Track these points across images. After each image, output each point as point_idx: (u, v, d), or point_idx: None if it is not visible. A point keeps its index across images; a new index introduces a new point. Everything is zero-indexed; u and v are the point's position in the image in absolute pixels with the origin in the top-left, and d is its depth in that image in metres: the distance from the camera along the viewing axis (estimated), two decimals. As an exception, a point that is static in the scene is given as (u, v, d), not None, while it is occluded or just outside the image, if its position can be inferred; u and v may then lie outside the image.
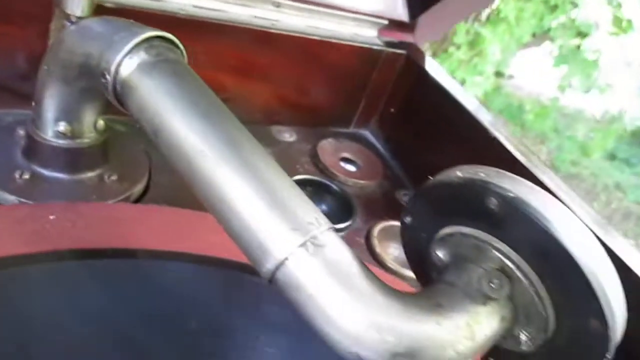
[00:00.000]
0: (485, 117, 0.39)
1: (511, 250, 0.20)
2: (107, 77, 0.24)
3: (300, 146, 0.43)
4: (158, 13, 0.37)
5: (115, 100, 0.24)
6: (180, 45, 0.26)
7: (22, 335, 0.22)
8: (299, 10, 0.41)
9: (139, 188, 0.33)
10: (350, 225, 0.38)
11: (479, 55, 2.56)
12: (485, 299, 0.20)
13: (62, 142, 0.30)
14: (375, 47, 0.44)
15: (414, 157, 0.45)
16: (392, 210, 0.41)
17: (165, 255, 0.26)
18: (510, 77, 2.20)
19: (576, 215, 0.19)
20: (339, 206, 0.39)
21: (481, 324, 0.20)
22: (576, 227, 0.19)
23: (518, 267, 0.20)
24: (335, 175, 0.41)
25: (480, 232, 0.21)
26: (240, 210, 0.21)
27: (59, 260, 0.24)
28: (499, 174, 0.20)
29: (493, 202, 0.20)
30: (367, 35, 0.45)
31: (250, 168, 0.21)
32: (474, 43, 2.07)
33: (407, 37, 0.47)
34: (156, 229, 0.26)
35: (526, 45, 2.08)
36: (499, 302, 0.20)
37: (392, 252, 0.37)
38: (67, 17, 0.28)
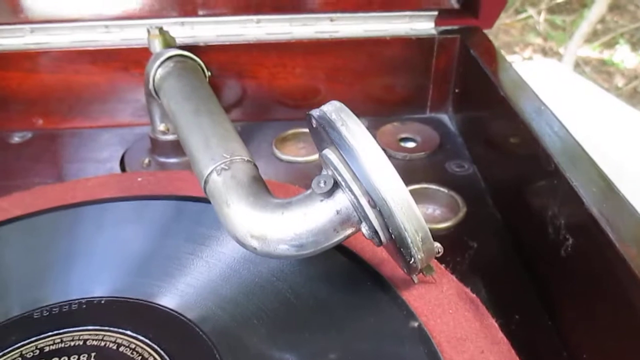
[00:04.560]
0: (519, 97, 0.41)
1: (340, 162, 0.26)
2: (150, 81, 0.38)
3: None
4: (251, 43, 0.51)
5: (156, 95, 0.39)
6: (196, 58, 0.39)
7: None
8: (351, 20, 0.50)
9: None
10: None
11: None
12: (321, 196, 0.27)
13: (164, 137, 0.46)
14: (425, 36, 0.50)
15: (474, 132, 0.49)
16: (434, 175, 0.45)
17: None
18: None
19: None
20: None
21: (315, 214, 0.27)
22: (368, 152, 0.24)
23: (340, 174, 0.26)
24: (385, 151, 0.48)
25: (329, 149, 0.27)
26: (192, 149, 0.32)
27: (134, 200, 0.38)
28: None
29: (312, 121, 0.27)
30: (424, 27, 0.51)
31: (202, 126, 0.33)
32: None
33: (472, 22, 0.51)
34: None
35: None
36: (335, 199, 0.26)
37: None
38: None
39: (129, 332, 0.28)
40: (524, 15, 2.93)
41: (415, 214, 0.24)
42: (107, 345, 0.28)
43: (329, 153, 0.27)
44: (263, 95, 0.53)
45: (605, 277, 0.27)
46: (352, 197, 0.26)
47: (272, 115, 0.54)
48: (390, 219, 0.24)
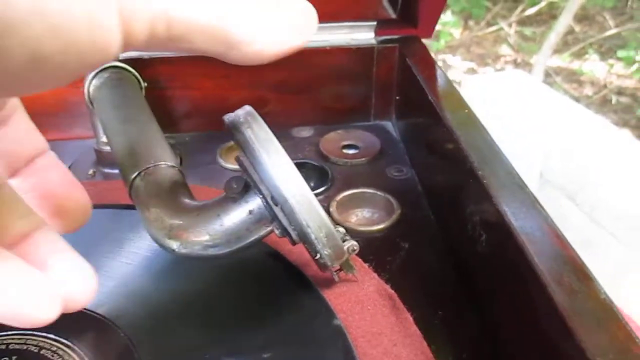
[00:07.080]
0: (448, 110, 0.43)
1: (250, 165, 0.27)
2: (86, 92, 0.39)
3: (311, 139, 0.53)
4: (196, 55, 0.52)
5: (91, 105, 0.39)
6: (131, 69, 0.40)
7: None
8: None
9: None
10: (325, 191, 0.45)
11: None
12: (234, 198, 0.28)
13: (107, 149, 0.47)
14: (365, 46, 0.51)
15: (413, 138, 0.50)
16: (374, 180, 0.47)
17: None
18: None
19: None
20: (319, 178, 0.47)
21: (229, 214, 0.28)
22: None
23: (250, 176, 0.27)
24: (328, 158, 0.49)
25: (242, 152, 0.28)
26: (120, 157, 0.33)
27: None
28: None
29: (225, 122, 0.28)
30: (364, 37, 0.52)
31: (129, 134, 0.34)
32: None
33: (412, 32, 0.53)
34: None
35: None
36: (247, 200, 0.27)
37: (353, 215, 0.43)
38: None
39: (51, 336, 0.29)
40: (495, 27, 2.99)
41: (316, 210, 0.25)
42: (28, 349, 0.28)
43: (242, 156, 0.28)
44: (210, 107, 0.54)
45: (511, 269, 0.29)
46: (261, 197, 0.27)
47: (219, 126, 0.55)
48: (291, 216, 0.25)
